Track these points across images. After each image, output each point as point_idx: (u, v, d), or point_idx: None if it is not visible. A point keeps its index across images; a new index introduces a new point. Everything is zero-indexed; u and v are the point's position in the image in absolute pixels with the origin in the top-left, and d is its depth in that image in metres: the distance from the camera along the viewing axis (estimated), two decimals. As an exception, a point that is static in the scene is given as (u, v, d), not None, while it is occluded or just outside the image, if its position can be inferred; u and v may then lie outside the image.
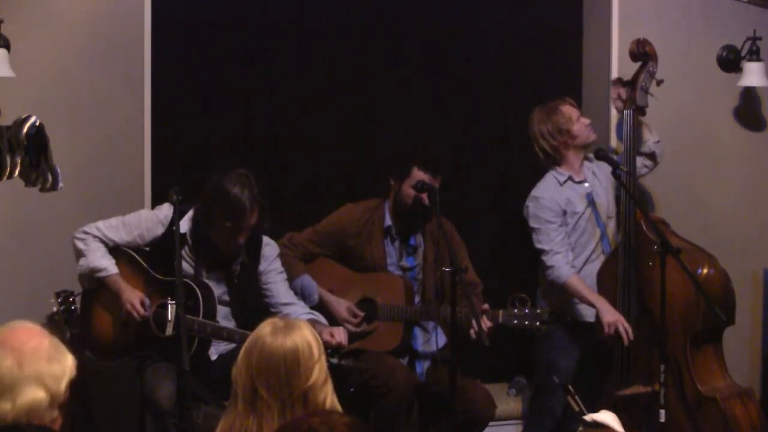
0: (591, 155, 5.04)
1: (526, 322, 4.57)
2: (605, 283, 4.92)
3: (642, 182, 5.26)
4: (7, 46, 4.63)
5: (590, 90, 5.56)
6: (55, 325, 4.75)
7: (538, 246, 4.94)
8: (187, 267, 4.44)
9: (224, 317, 4.54)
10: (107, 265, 4.46)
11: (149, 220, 4.53)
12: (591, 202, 5.02)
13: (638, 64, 5.08)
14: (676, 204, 5.45)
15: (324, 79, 5.33)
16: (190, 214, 4.51)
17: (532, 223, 4.96)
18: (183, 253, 4.39)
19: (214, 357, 4.54)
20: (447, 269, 4.30)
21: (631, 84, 5.05)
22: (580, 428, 2.85)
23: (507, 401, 5.37)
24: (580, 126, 5.00)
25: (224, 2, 5.22)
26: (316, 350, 2.81)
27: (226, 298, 4.56)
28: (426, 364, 4.89)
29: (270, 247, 4.62)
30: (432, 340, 4.88)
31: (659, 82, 5.08)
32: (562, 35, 5.61)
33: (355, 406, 4.34)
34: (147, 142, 4.99)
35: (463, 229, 5.06)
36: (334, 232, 4.91)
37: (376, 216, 4.89)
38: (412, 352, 4.91)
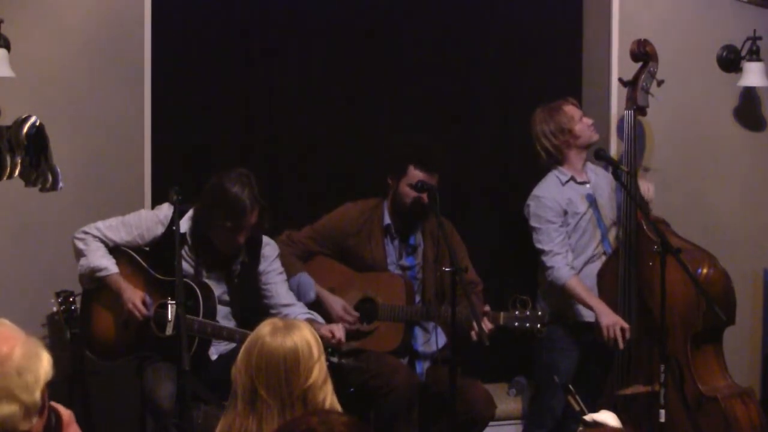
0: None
1: (527, 324, 4.57)
2: (605, 283, 4.92)
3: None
4: (7, 46, 4.63)
5: (590, 90, 5.56)
6: (55, 325, 4.76)
7: (538, 246, 4.94)
8: (187, 267, 4.44)
9: (224, 317, 4.54)
10: (108, 264, 4.46)
11: (149, 220, 4.53)
12: (592, 202, 5.02)
13: (639, 65, 5.10)
14: (676, 204, 5.45)
15: (324, 79, 5.33)
16: (189, 213, 4.51)
17: (533, 223, 4.96)
18: (183, 252, 4.39)
19: (214, 357, 4.54)
20: (447, 269, 4.30)
21: (632, 84, 5.06)
22: (580, 428, 2.85)
23: (507, 401, 5.37)
24: (583, 126, 5.01)
25: (224, 2, 5.21)
26: (316, 350, 2.82)
27: (226, 297, 4.56)
28: (426, 364, 4.89)
29: (270, 247, 4.62)
30: (432, 340, 4.88)
31: (660, 83, 5.09)
32: (562, 35, 5.61)
33: (355, 406, 4.34)
34: (147, 142, 4.99)
35: (463, 229, 5.06)
36: (332, 231, 4.91)
37: (375, 215, 4.89)
38: (412, 352, 4.90)
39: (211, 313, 4.45)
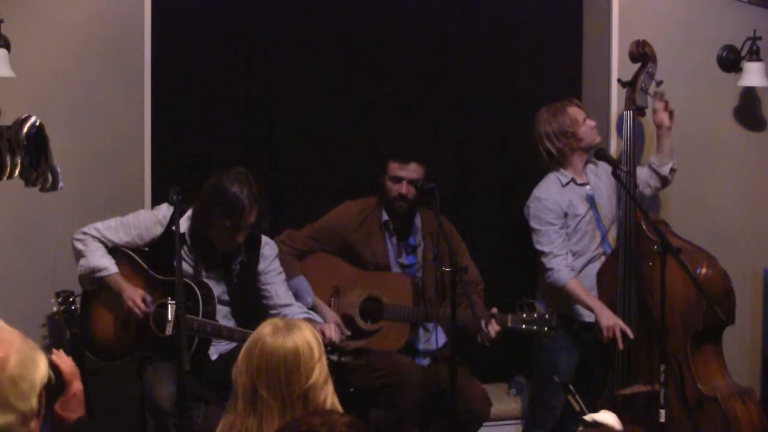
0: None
1: (535, 327, 4.60)
2: (605, 284, 4.92)
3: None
4: (7, 46, 4.63)
5: (590, 90, 5.55)
6: (55, 325, 4.76)
7: (538, 247, 4.94)
8: (186, 266, 4.44)
9: (224, 316, 4.54)
10: (107, 264, 4.46)
11: (148, 221, 4.53)
12: (592, 204, 5.02)
13: (638, 65, 5.10)
14: (676, 204, 5.45)
15: (324, 79, 5.33)
16: (188, 213, 4.51)
17: (533, 224, 4.96)
18: (182, 252, 4.39)
19: (214, 357, 4.54)
20: (447, 269, 4.31)
21: (631, 85, 5.07)
22: (580, 428, 2.85)
23: (507, 401, 5.37)
24: (586, 128, 5.00)
25: (224, 3, 5.21)
26: (317, 350, 2.82)
27: (226, 297, 4.56)
28: (426, 362, 4.90)
29: (269, 247, 4.62)
30: (432, 338, 4.88)
31: (658, 83, 5.10)
32: (562, 35, 5.61)
33: (356, 406, 4.34)
34: (147, 142, 4.99)
35: (463, 229, 5.06)
36: (333, 229, 4.91)
37: (375, 213, 4.90)
38: (413, 350, 4.91)
39: (210, 313, 4.45)
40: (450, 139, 5.46)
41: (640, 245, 4.84)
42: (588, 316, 4.91)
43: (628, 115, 5.02)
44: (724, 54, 5.45)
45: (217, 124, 5.24)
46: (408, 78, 5.43)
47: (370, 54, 5.40)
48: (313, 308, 4.75)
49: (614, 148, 5.37)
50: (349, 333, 4.77)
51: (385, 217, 4.88)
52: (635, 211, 4.86)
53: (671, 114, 5.08)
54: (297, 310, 4.55)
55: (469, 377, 4.76)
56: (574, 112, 5.00)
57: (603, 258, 5.00)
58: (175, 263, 4.16)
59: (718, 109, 5.55)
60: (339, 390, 2.89)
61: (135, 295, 4.42)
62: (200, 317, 4.40)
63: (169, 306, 4.18)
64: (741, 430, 4.71)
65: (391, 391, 4.62)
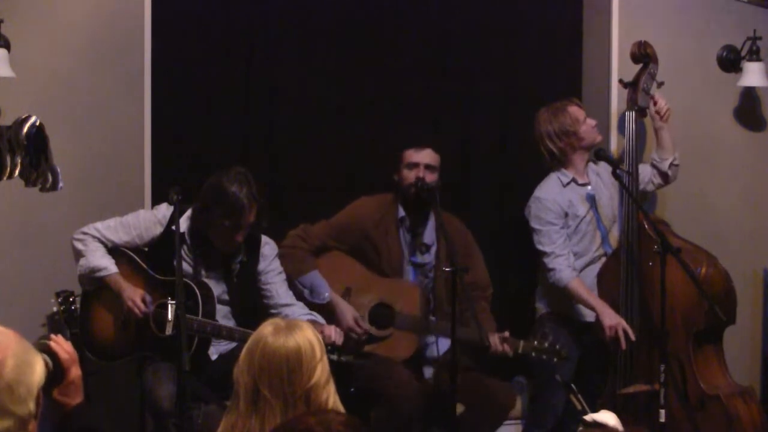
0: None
1: (544, 357, 4.63)
2: (605, 284, 4.91)
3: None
4: (7, 46, 4.63)
5: (590, 90, 5.55)
6: (55, 325, 4.76)
7: (540, 248, 4.94)
8: (186, 266, 4.44)
9: (224, 316, 4.53)
10: (107, 264, 4.46)
11: (147, 220, 4.53)
12: (593, 204, 5.02)
13: (639, 66, 5.10)
14: (676, 204, 5.45)
15: (324, 79, 5.33)
16: (188, 213, 4.51)
17: (534, 224, 4.96)
18: (182, 252, 4.39)
19: (214, 357, 4.53)
20: (447, 269, 4.30)
21: (633, 86, 5.07)
22: (580, 428, 2.85)
23: (507, 401, 5.36)
24: (587, 128, 5.00)
25: (224, 2, 5.21)
26: (319, 350, 2.81)
27: (226, 297, 4.56)
28: (432, 368, 4.88)
29: (269, 247, 4.62)
30: (437, 343, 4.86)
31: (660, 84, 5.10)
32: (562, 35, 5.61)
33: (356, 407, 4.34)
34: (147, 142, 4.98)
35: (464, 229, 5.06)
36: (351, 225, 4.88)
37: (392, 209, 4.88)
38: (421, 358, 4.90)
39: (210, 313, 4.45)
40: (450, 139, 5.46)
41: (641, 245, 4.84)
42: (588, 316, 4.91)
43: (630, 115, 5.03)
44: (724, 54, 5.45)
45: (217, 124, 5.23)
46: (408, 78, 5.43)
47: (370, 54, 5.39)
48: (329, 303, 4.74)
49: (614, 148, 5.37)
50: (368, 327, 4.76)
51: (401, 213, 4.87)
52: (636, 212, 4.86)
53: (668, 110, 5.07)
54: (299, 311, 4.54)
55: (485, 376, 4.76)
56: (575, 111, 5.00)
57: (603, 259, 5.00)
58: (174, 263, 4.16)
59: (718, 109, 5.55)
60: (339, 390, 2.89)
61: (135, 295, 4.42)
62: (200, 317, 4.39)
63: (169, 306, 4.18)
64: (742, 430, 4.72)
65: (382, 396, 4.61)
